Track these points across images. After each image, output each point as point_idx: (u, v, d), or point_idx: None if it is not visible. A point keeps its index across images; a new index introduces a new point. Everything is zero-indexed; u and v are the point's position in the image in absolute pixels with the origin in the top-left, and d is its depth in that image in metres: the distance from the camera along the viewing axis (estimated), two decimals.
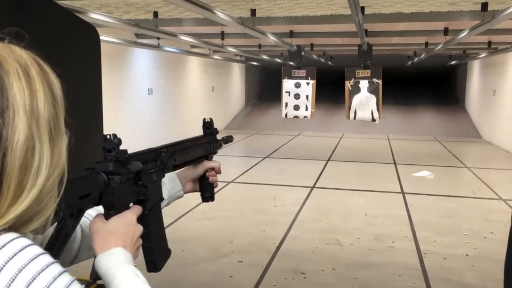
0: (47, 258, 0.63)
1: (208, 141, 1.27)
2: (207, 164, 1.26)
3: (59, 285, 0.62)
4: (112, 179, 0.82)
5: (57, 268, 0.63)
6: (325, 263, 3.81)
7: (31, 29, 1.47)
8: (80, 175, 0.80)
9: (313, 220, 5.01)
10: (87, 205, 0.80)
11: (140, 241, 0.87)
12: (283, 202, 5.71)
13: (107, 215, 0.84)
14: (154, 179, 0.98)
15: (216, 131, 1.30)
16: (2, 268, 0.59)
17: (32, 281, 0.60)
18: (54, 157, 0.67)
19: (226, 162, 8.30)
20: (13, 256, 0.60)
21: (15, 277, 0.59)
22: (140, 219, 0.90)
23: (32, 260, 0.61)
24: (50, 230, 0.76)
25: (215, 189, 1.31)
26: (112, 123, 7.01)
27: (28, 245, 0.62)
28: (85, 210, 0.80)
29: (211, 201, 1.29)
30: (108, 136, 0.84)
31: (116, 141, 0.84)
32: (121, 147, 0.89)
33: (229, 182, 6.72)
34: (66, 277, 0.64)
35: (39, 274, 0.61)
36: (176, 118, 10.71)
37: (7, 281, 0.59)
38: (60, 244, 0.76)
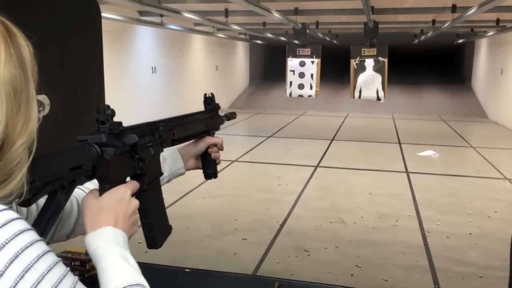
0: (32, 235, 0.61)
1: (210, 117, 1.23)
2: (209, 140, 1.23)
3: (43, 265, 0.59)
4: (106, 151, 0.79)
5: (42, 246, 0.61)
6: (328, 241, 3.83)
7: (29, 0, 1.45)
8: (71, 147, 0.78)
9: (317, 199, 5.02)
10: (80, 178, 0.78)
11: (136, 216, 0.84)
12: (287, 181, 5.71)
13: (102, 189, 0.82)
14: (151, 153, 0.95)
15: (218, 107, 1.27)
16: None
17: (15, 258, 0.57)
18: (17, 124, 0.62)
19: (230, 141, 8.29)
20: None
21: None
22: (138, 194, 0.87)
23: (16, 236, 0.58)
24: (41, 201, 0.74)
25: (218, 167, 1.28)
26: (115, 102, 7.00)
27: (13, 219, 0.59)
28: (77, 182, 0.77)
29: (214, 178, 1.26)
30: (101, 107, 0.81)
31: (109, 112, 0.81)
32: (125, 124, 0.86)
33: (233, 161, 6.72)
34: (51, 257, 0.62)
35: (22, 251, 0.58)
36: (180, 97, 10.68)
37: None
38: (50, 217, 0.73)
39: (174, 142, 1.09)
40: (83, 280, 0.67)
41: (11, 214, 0.60)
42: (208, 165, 1.25)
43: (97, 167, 0.80)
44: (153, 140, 0.97)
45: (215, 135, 1.26)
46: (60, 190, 0.74)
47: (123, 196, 0.82)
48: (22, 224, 0.60)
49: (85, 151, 0.78)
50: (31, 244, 0.60)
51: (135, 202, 0.84)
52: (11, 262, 0.57)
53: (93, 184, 0.87)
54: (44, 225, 0.71)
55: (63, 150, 0.76)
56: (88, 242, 0.75)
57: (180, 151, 1.20)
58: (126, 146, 0.86)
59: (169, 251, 3.29)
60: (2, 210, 0.60)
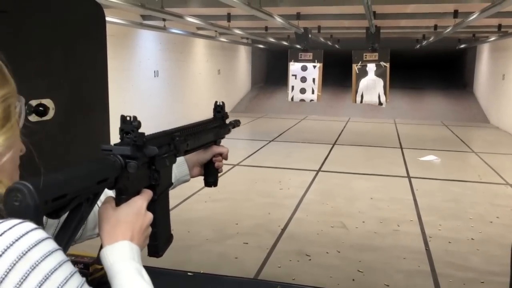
0: (51, 244, 0.61)
1: (218, 126, 1.24)
2: (215, 149, 1.23)
3: (61, 275, 0.60)
4: (129, 164, 0.80)
5: (60, 255, 0.62)
6: (329, 246, 3.83)
7: (35, 5, 1.47)
8: (97, 158, 0.78)
9: (318, 203, 5.02)
10: (103, 189, 0.79)
11: (150, 230, 0.85)
12: (289, 185, 5.71)
13: (119, 200, 0.82)
14: (167, 164, 0.96)
15: (226, 115, 1.28)
16: (2, 253, 0.57)
17: (34, 267, 0.58)
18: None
19: (232, 145, 8.24)
20: (15, 241, 0.58)
21: (16, 262, 0.57)
22: (149, 205, 0.88)
23: (35, 246, 0.59)
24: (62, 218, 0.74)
25: (219, 174, 1.29)
26: (117, 105, 7.03)
27: (33, 229, 0.60)
28: (100, 194, 0.78)
29: (214, 186, 1.27)
30: (128, 118, 0.81)
31: (135, 124, 0.81)
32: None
33: (234, 165, 6.73)
34: (69, 267, 0.62)
35: (42, 260, 0.59)
36: (182, 101, 10.69)
37: (7, 267, 0.57)
38: (74, 230, 0.73)
39: (185, 153, 1.09)
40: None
41: (30, 225, 0.61)
42: (210, 173, 1.26)
43: (119, 179, 0.80)
44: (169, 151, 0.97)
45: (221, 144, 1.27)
46: (85, 203, 0.74)
47: (140, 209, 0.82)
48: (41, 234, 0.61)
49: (111, 163, 0.79)
50: (50, 254, 0.60)
51: (150, 216, 0.85)
52: (30, 272, 0.58)
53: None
54: (68, 238, 0.72)
55: (91, 162, 0.76)
56: (104, 256, 0.75)
57: (187, 159, 1.21)
58: (146, 158, 0.86)
59: (170, 255, 3.28)
60: (22, 222, 0.60)
